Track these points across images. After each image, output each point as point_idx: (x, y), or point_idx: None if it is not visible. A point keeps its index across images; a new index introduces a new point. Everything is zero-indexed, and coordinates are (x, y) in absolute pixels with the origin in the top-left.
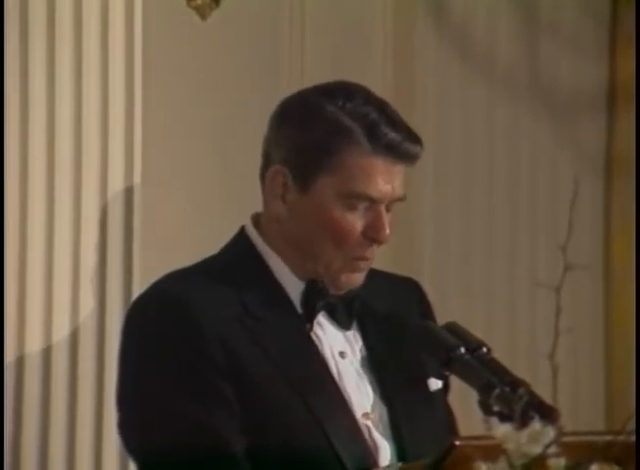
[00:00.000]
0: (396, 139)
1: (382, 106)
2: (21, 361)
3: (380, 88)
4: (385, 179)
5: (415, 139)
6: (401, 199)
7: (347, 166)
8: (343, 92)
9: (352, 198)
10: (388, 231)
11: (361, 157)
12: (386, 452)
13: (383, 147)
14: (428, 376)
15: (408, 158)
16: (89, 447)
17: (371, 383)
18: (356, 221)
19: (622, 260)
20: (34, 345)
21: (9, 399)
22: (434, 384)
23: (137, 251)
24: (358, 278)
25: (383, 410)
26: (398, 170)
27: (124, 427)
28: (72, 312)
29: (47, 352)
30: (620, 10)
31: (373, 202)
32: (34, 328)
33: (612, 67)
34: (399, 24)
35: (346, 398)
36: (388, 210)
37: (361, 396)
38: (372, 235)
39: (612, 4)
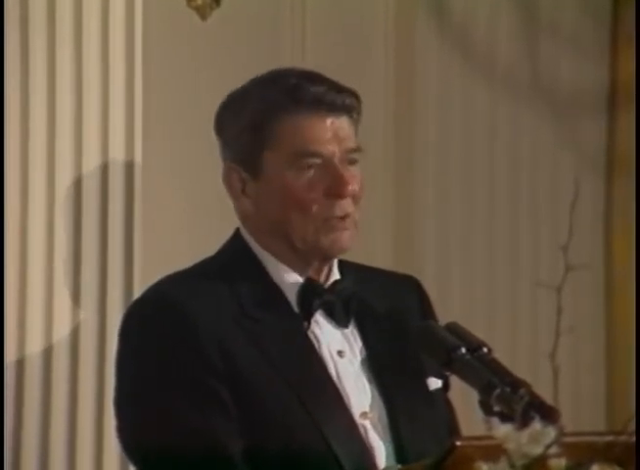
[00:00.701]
0: (319, 91)
1: (305, 72)
2: (21, 362)
3: (381, 88)
4: (323, 132)
5: (340, 89)
6: (356, 149)
7: (282, 133)
8: (269, 74)
9: (298, 159)
10: (350, 184)
11: (291, 119)
12: (381, 453)
13: (309, 103)
14: (427, 375)
15: (339, 107)
16: (89, 448)
17: (370, 382)
18: (313, 183)
19: (623, 261)
20: (35, 345)
21: (9, 400)
22: (434, 383)
23: (137, 251)
24: (342, 238)
25: (382, 410)
26: (337, 124)
27: (122, 430)
28: (73, 313)
29: (47, 353)
30: (621, 10)
31: (322, 158)
32: (35, 329)
33: (612, 67)
34: (400, 25)
35: (345, 397)
36: (350, 163)
37: (360, 395)
38: (334, 191)
39: (612, 4)
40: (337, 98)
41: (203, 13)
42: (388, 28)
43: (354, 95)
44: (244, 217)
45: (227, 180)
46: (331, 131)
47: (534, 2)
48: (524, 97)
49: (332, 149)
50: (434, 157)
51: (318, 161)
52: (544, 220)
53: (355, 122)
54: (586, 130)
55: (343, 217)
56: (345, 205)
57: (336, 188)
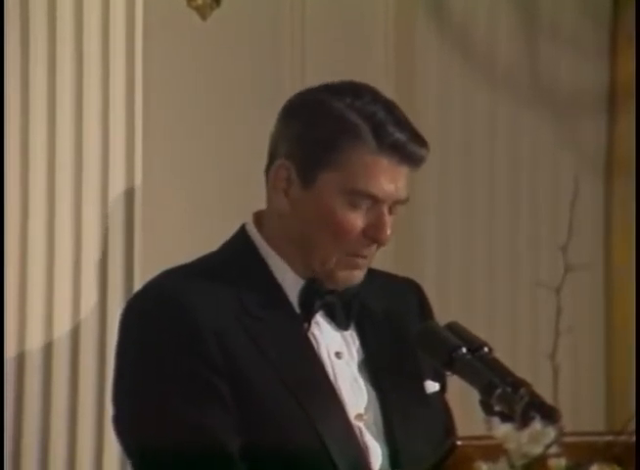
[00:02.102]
0: (402, 139)
1: (389, 106)
2: (21, 358)
3: (381, 88)
4: (388, 179)
5: (421, 142)
6: (404, 202)
7: (352, 163)
8: (351, 91)
9: (355, 195)
10: (389, 232)
11: (366, 154)
12: (377, 454)
13: (388, 146)
14: (424, 378)
15: (413, 159)
16: (90, 444)
17: (366, 384)
18: (357, 219)
19: (623, 261)
20: (35, 342)
21: (9, 396)
22: (432, 386)
23: (137, 250)
24: (356, 276)
25: (377, 411)
26: (402, 172)
27: (119, 423)
28: (73, 310)
29: (48, 350)
30: (621, 10)
31: (375, 201)
32: (35, 325)
33: (612, 67)
34: (400, 25)
35: (341, 399)
36: (391, 212)
37: (355, 397)
38: (372, 234)
39: (612, 4)
40: (416, 151)
41: (203, 13)
42: (388, 28)
43: (428, 148)
44: (273, 214)
45: (274, 174)
46: (394, 178)
47: (534, 2)
48: (524, 97)
49: (388, 195)
50: (434, 157)
51: (371, 203)
52: (544, 220)
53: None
54: (586, 130)
55: (365, 257)
56: (373, 247)
57: (377, 233)
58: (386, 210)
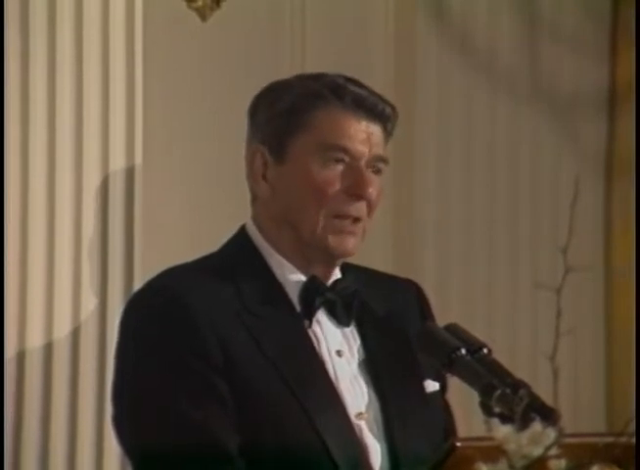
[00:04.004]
0: (363, 94)
1: (349, 77)
2: (21, 358)
3: (381, 88)
4: (357, 133)
5: (382, 98)
6: (383, 159)
7: (318, 122)
8: (310, 75)
9: (326, 151)
10: (371, 188)
11: (331, 112)
12: (377, 453)
13: (350, 101)
14: (424, 377)
15: (377, 114)
16: (90, 444)
17: (367, 383)
18: (336, 178)
19: (623, 262)
20: (35, 342)
21: (9, 396)
22: (432, 385)
23: (137, 251)
24: (349, 242)
25: (377, 410)
26: (373, 128)
27: (118, 422)
28: (73, 310)
29: (48, 349)
30: (621, 10)
31: (351, 157)
32: (35, 325)
33: (612, 67)
34: (400, 25)
35: (341, 397)
36: (375, 172)
37: (356, 395)
38: (353, 191)
39: (612, 4)
40: (377, 104)
41: (203, 14)
42: (388, 28)
43: (393, 108)
44: (258, 202)
45: (250, 162)
46: (365, 133)
47: (534, 2)
48: (524, 97)
49: (362, 150)
50: (434, 157)
51: (346, 158)
52: (544, 221)
53: (387, 136)
54: (586, 130)
55: (355, 220)
56: (361, 207)
57: (357, 187)
58: (363, 166)
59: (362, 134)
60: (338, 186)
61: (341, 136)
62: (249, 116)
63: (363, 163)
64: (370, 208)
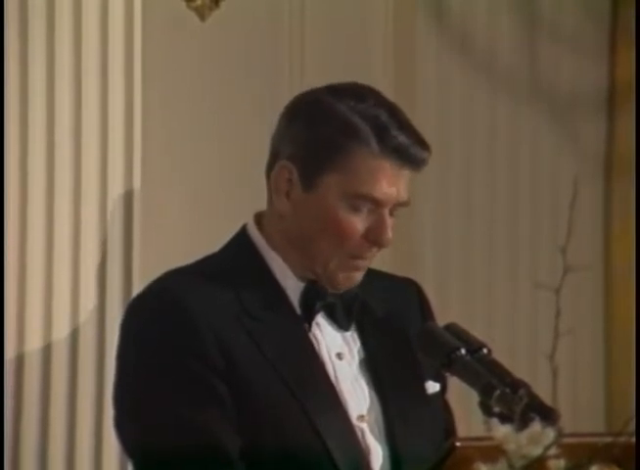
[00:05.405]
0: (405, 143)
1: (392, 109)
2: (21, 359)
3: (380, 88)
4: (390, 182)
5: (424, 145)
6: (405, 204)
7: (355, 167)
8: (354, 93)
9: (357, 198)
10: (390, 235)
11: (369, 158)
12: (378, 456)
13: (391, 150)
14: (425, 378)
15: (415, 163)
16: (89, 444)
17: (368, 385)
18: (359, 223)
19: (623, 261)
20: (34, 343)
21: (9, 397)
22: (432, 386)
23: (137, 251)
24: (356, 277)
25: (378, 412)
26: (404, 175)
27: (119, 423)
28: (72, 312)
29: (47, 351)
30: (620, 10)
31: (377, 204)
32: (34, 326)
33: (612, 67)
34: (400, 25)
35: (342, 400)
36: (391, 214)
37: (357, 398)
38: (374, 238)
39: (612, 4)
40: (418, 154)
41: (202, 14)
42: (387, 28)
43: (430, 151)
44: (274, 216)
45: (276, 176)
46: (396, 178)
47: (534, 2)
48: (524, 97)
49: (389, 198)
50: (434, 157)
51: (373, 206)
52: (544, 221)
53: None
54: (586, 130)
55: (366, 259)
56: (374, 250)
57: (378, 236)
58: (387, 212)
59: (393, 181)
60: (360, 230)
61: (373, 188)
62: (282, 119)
63: (387, 210)
64: (380, 248)
